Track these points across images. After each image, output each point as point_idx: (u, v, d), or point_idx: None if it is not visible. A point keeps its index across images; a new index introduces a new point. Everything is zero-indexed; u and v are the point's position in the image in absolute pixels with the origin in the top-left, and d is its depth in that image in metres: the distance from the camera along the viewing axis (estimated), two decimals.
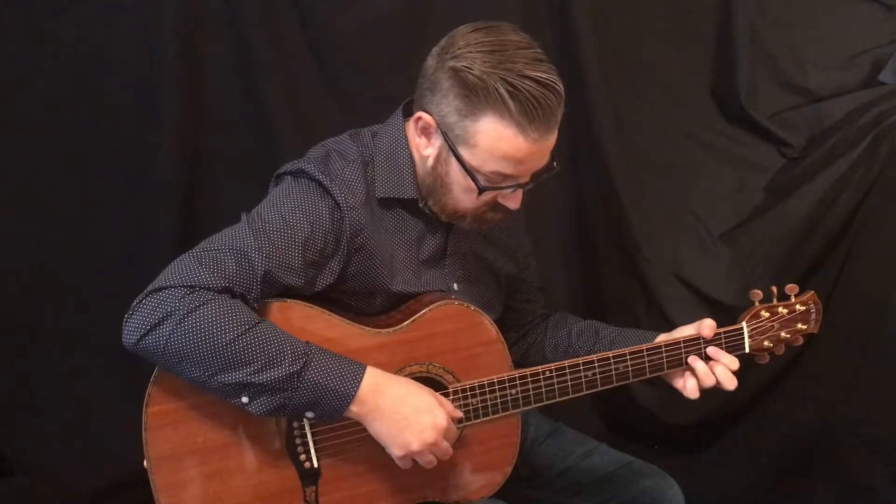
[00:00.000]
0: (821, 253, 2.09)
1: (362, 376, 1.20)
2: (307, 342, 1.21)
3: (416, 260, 1.40)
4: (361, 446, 1.30)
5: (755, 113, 2.24)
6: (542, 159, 1.29)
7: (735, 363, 1.42)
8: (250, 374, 1.15)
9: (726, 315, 1.54)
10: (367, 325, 1.31)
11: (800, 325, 1.50)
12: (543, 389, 1.36)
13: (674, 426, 2.25)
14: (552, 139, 1.26)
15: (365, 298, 1.36)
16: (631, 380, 1.41)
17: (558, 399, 1.38)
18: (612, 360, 1.39)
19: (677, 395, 1.46)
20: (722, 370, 1.41)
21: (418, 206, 1.37)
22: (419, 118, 1.30)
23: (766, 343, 1.48)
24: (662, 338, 1.45)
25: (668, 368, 1.43)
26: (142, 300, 1.16)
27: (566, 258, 2.33)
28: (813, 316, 1.51)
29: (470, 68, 1.21)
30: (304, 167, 1.31)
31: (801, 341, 1.52)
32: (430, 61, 1.28)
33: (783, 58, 2.27)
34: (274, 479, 1.27)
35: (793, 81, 2.27)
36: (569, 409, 1.49)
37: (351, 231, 1.29)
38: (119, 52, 1.94)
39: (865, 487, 2.00)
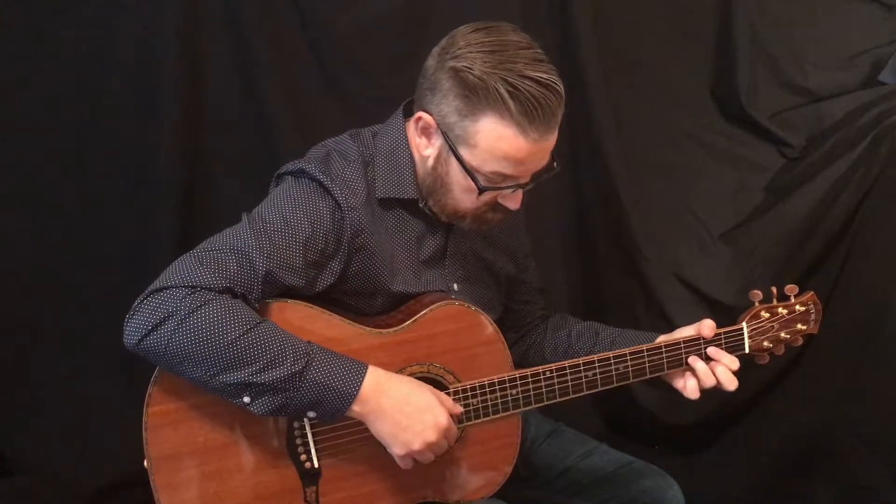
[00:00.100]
0: (821, 253, 2.09)
1: (364, 376, 1.20)
2: (309, 342, 1.21)
3: (417, 260, 1.40)
4: (362, 446, 1.30)
5: (755, 113, 2.24)
6: (543, 159, 1.29)
7: (735, 363, 1.42)
8: (252, 374, 1.15)
9: (726, 315, 1.54)
10: (368, 326, 1.31)
11: (799, 326, 1.50)
12: (544, 390, 1.36)
13: (674, 426, 2.25)
14: (552, 139, 1.26)
15: (365, 298, 1.36)
16: (631, 380, 1.41)
17: (559, 399, 1.38)
18: (612, 361, 1.39)
19: (677, 395, 1.46)
20: (722, 370, 1.41)
21: (418, 206, 1.37)
22: (419, 118, 1.30)
23: (765, 343, 1.48)
24: (663, 339, 1.45)
25: (668, 369, 1.43)
26: (143, 300, 1.16)
27: (566, 258, 2.33)
28: (812, 316, 1.51)
29: (470, 68, 1.21)
30: (304, 167, 1.31)
31: (800, 342, 1.52)
32: (431, 61, 1.28)
33: (783, 58, 2.27)
34: (274, 479, 1.27)
35: (793, 81, 2.27)
36: (569, 409, 1.49)
37: (351, 231, 1.29)
38: (119, 52, 1.94)
39: (865, 487, 2.01)
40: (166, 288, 1.15)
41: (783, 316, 1.49)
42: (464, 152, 1.26)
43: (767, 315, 1.48)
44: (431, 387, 1.27)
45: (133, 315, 1.16)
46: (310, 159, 1.34)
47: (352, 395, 1.19)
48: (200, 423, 1.23)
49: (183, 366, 1.15)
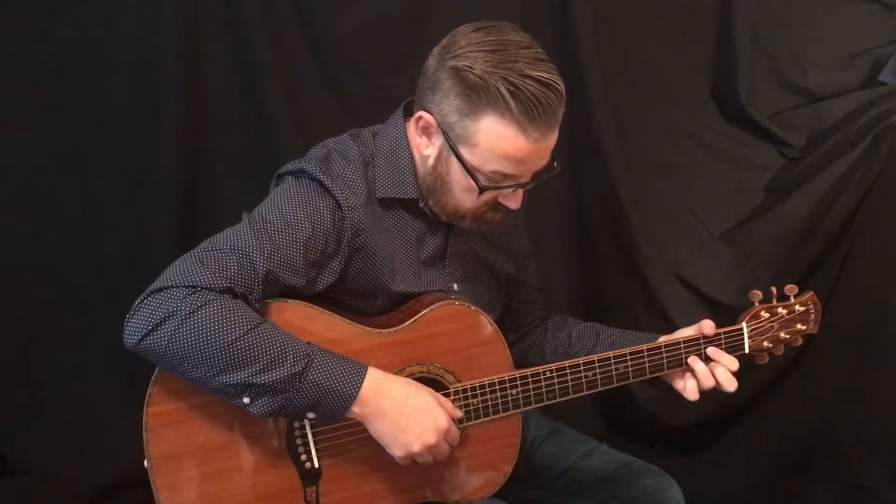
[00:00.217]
0: (821, 253, 2.09)
1: (364, 377, 1.20)
2: (309, 343, 1.20)
3: (417, 260, 1.40)
4: (362, 446, 1.30)
5: (755, 113, 2.24)
6: (543, 159, 1.29)
7: (735, 364, 1.42)
8: (252, 375, 1.15)
9: (726, 315, 1.54)
10: (368, 326, 1.31)
11: (799, 326, 1.50)
12: (544, 390, 1.36)
13: (674, 426, 2.25)
14: (553, 139, 1.26)
15: (365, 298, 1.36)
16: (631, 380, 1.41)
17: (559, 399, 1.38)
18: (612, 361, 1.39)
19: (677, 395, 1.46)
20: (722, 371, 1.41)
21: (419, 206, 1.37)
22: (420, 118, 1.30)
23: (765, 343, 1.48)
24: (663, 340, 1.45)
25: (668, 369, 1.43)
26: (143, 300, 1.16)
27: (566, 258, 2.33)
28: (812, 316, 1.51)
29: (471, 68, 1.21)
30: (305, 167, 1.31)
31: (800, 342, 1.52)
32: (431, 61, 1.28)
33: (783, 58, 2.27)
34: (274, 480, 1.27)
35: (793, 81, 2.28)
36: (569, 409, 1.49)
37: (352, 231, 1.29)
38: (119, 52, 1.94)
39: (865, 487, 2.01)
40: (167, 288, 1.15)
41: (783, 316, 1.49)
42: (464, 152, 1.26)
43: (767, 315, 1.48)
44: (431, 389, 1.27)
45: (133, 315, 1.16)
46: (310, 159, 1.34)
47: (351, 396, 1.19)
48: (201, 423, 1.23)
49: (183, 366, 1.15)
